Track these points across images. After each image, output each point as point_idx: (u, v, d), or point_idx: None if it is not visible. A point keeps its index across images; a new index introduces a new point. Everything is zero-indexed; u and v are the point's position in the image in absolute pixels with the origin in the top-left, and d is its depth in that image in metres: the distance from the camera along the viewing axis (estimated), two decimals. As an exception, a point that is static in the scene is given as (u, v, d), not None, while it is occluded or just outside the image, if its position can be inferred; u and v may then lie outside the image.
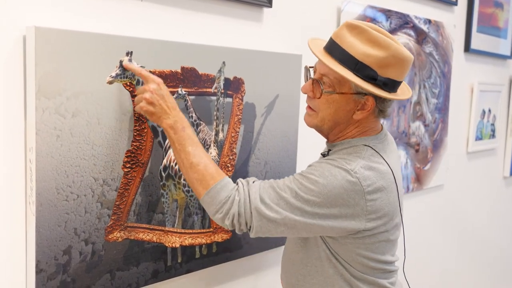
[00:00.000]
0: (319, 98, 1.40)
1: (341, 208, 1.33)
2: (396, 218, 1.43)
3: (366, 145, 1.41)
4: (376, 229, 1.38)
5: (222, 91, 1.65)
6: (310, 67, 1.48)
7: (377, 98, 1.38)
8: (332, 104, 1.39)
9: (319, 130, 1.47)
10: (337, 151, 1.44)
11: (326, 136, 1.49)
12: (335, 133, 1.46)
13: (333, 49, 1.38)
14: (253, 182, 1.39)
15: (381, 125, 1.51)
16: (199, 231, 1.65)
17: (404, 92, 1.45)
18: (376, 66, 1.33)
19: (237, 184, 1.37)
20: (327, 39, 1.44)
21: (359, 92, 1.36)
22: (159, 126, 1.43)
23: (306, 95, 1.47)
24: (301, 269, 1.49)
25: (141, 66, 1.43)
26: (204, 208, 1.38)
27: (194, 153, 1.34)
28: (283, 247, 1.96)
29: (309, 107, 1.46)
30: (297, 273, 1.50)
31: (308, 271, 1.48)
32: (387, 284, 1.46)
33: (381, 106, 1.41)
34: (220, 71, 1.64)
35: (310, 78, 1.45)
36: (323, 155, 1.50)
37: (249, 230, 1.35)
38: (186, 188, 1.59)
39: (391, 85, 1.37)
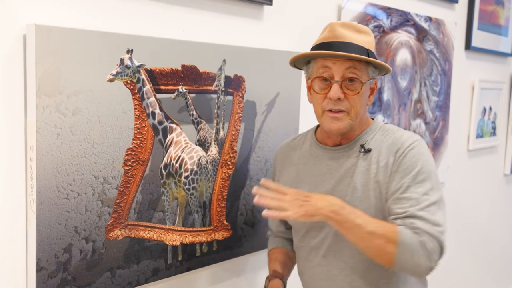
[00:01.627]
0: (358, 93, 1.42)
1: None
2: None
3: (385, 124, 1.54)
4: None
5: (223, 89, 1.65)
6: (316, 78, 1.44)
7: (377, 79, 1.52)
8: (362, 96, 1.44)
9: (350, 129, 1.46)
10: (370, 140, 1.48)
11: (348, 134, 1.48)
12: (356, 126, 1.48)
13: (342, 46, 1.41)
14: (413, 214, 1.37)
15: None
16: (199, 229, 1.65)
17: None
18: (373, 50, 1.47)
19: (411, 227, 1.34)
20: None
21: (373, 76, 1.47)
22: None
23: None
24: (383, 272, 1.45)
25: (142, 64, 1.43)
26: (400, 269, 1.36)
27: (366, 223, 1.32)
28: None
29: (337, 112, 1.42)
30: (378, 278, 1.46)
31: (390, 273, 1.45)
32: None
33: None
34: (220, 69, 1.64)
35: (332, 83, 1.41)
36: (365, 151, 1.46)
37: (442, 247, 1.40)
38: (187, 186, 1.59)
39: None
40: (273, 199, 1.34)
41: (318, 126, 1.58)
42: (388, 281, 1.46)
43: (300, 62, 1.51)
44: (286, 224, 1.69)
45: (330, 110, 1.42)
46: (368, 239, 1.32)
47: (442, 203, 1.43)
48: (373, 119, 1.56)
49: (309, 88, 1.50)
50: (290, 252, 1.68)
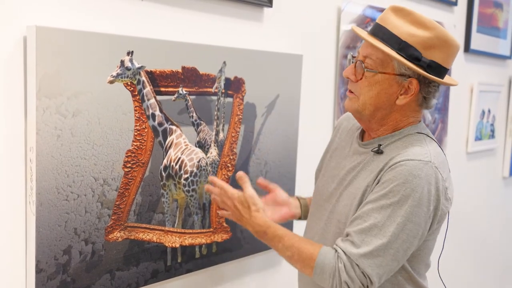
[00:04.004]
0: (360, 79, 1.35)
1: (432, 203, 1.30)
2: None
3: (419, 133, 1.38)
4: (444, 218, 1.40)
5: (223, 91, 1.65)
6: (352, 56, 1.42)
7: (421, 82, 1.34)
8: (374, 86, 1.34)
9: (359, 116, 1.40)
10: (390, 144, 1.37)
11: (367, 125, 1.42)
12: (377, 121, 1.39)
13: (377, 31, 1.35)
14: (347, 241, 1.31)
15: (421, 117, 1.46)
16: (199, 231, 1.65)
17: (451, 80, 1.42)
18: (420, 47, 1.31)
19: (335, 250, 1.31)
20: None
21: (402, 73, 1.33)
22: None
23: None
24: None
25: (142, 66, 1.43)
26: None
27: (284, 248, 1.37)
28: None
29: (349, 91, 1.40)
30: None
31: None
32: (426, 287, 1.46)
33: (425, 92, 1.36)
34: (220, 71, 1.64)
35: (352, 61, 1.39)
36: (376, 152, 1.38)
37: (371, 284, 1.28)
38: (186, 188, 1.59)
39: (437, 70, 1.33)
40: (220, 196, 1.50)
41: None
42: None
43: None
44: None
45: (350, 90, 1.41)
46: (288, 261, 1.39)
47: (387, 249, 1.26)
48: (418, 122, 1.43)
49: None
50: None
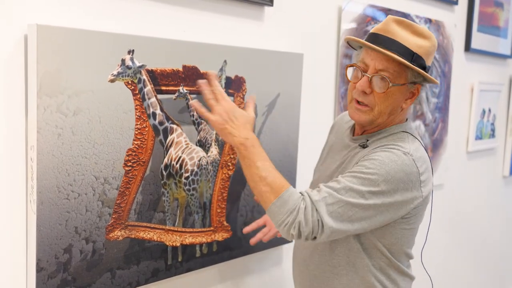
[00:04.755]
0: (384, 92, 1.41)
1: (403, 192, 1.37)
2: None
3: (404, 131, 1.48)
4: (420, 212, 1.46)
5: (224, 89, 1.65)
6: (350, 65, 1.48)
7: (422, 85, 1.46)
8: (391, 97, 1.42)
9: (370, 123, 1.47)
10: (376, 140, 1.47)
11: (369, 127, 1.50)
12: (379, 124, 1.48)
13: (389, 44, 1.40)
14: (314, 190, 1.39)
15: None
16: (199, 230, 1.65)
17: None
18: (424, 56, 1.42)
19: (301, 194, 1.36)
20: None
21: (413, 81, 1.43)
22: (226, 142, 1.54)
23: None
24: (330, 260, 1.49)
25: (143, 65, 1.43)
26: (270, 219, 1.38)
27: (263, 168, 1.36)
28: (283, 245, 1.96)
29: (360, 104, 1.44)
30: (325, 264, 1.50)
31: (338, 262, 1.48)
32: (412, 275, 1.55)
33: (420, 94, 1.49)
34: (221, 69, 1.64)
35: (363, 75, 1.42)
36: (362, 146, 1.48)
37: (315, 237, 1.33)
38: (187, 187, 1.59)
39: (430, 72, 1.48)
40: (210, 99, 1.39)
41: None
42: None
43: (354, 44, 1.52)
44: None
45: (357, 101, 1.45)
46: (257, 181, 1.36)
47: (348, 207, 1.33)
48: (405, 120, 1.53)
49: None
50: None
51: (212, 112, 1.38)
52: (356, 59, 1.49)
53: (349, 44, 1.52)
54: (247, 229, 1.75)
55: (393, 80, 1.40)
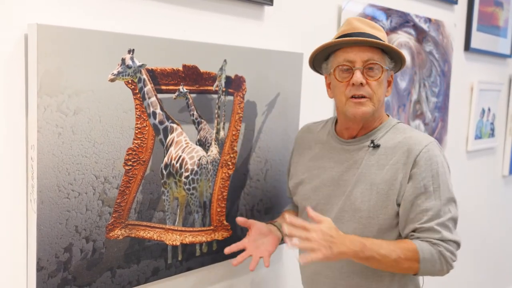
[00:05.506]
0: (379, 78, 1.47)
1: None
2: None
3: (399, 122, 1.58)
4: None
5: (224, 89, 1.65)
6: (346, 68, 1.49)
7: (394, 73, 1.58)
8: (382, 83, 1.50)
9: (372, 115, 1.50)
10: (381, 137, 1.53)
11: (364, 123, 1.53)
12: (374, 117, 1.53)
13: (363, 36, 1.48)
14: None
15: None
16: (199, 229, 1.65)
17: None
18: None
19: (428, 242, 1.45)
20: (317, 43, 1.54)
21: (389, 68, 1.53)
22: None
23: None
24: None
25: (143, 64, 1.43)
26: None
27: (388, 252, 1.41)
28: (283, 244, 1.96)
29: (361, 97, 1.48)
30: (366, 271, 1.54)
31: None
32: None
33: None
34: (221, 69, 1.64)
35: (354, 71, 1.47)
36: (373, 146, 1.52)
37: (459, 246, 1.51)
38: (187, 186, 1.59)
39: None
40: (303, 242, 1.36)
41: (336, 119, 1.63)
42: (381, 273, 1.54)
43: (318, 62, 1.57)
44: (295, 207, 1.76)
45: (353, 97, 1.47)
46: (394, 266, 1.43)
47: (454, 207, 1.50)
48: (388, 115, 1.60)
49: (328, 84, 1.57)
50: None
51: (313, 251, 1.35)
52: (328, 70, 1.54)
53: (314, 67, 1.60)
54: (226, 251, 1.63)
55: (382, 64, 1.49)
